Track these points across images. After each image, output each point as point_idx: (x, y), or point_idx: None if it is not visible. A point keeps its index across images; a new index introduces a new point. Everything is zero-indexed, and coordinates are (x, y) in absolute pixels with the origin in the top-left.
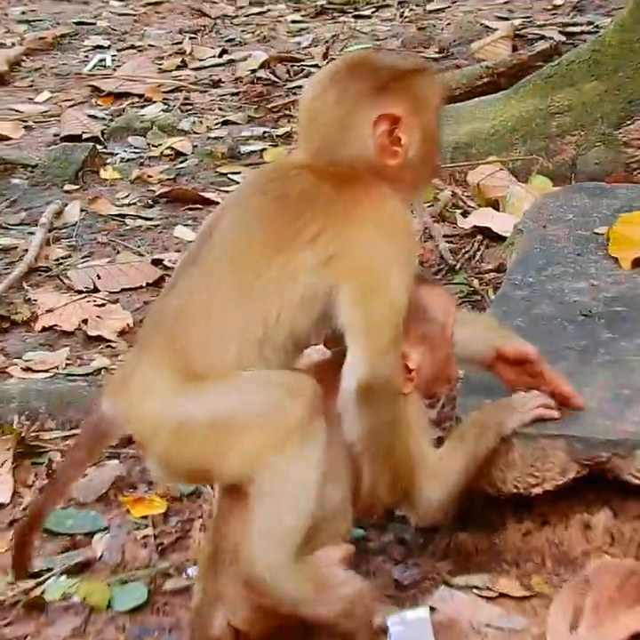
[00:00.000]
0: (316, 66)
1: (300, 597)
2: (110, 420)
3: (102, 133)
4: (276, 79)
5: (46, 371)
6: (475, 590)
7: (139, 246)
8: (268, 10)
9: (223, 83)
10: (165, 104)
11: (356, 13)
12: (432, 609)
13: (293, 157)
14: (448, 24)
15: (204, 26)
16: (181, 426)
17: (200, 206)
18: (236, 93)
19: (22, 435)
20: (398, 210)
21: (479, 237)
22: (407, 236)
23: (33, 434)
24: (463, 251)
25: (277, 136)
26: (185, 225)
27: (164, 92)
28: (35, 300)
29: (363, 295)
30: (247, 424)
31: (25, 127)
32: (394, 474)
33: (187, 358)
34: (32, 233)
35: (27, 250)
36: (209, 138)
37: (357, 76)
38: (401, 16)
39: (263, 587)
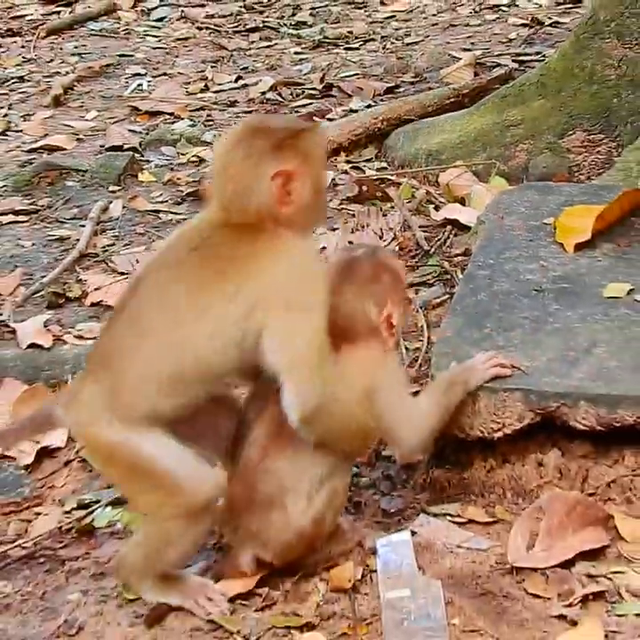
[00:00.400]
0: (314, 89)
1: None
2: (58, 421)
3: (140, 144)
4: (282, 100)
5: (94, 338)
6: (448, 517)
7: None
8: (275, 43)
9: (238, 103)
10: (191, 120)
11: (347, 46)
12: (413, 533)
13: (210, 213)
14: (422, 54)
15: (223, 57)
16: (110, 456)
17: None
18: (249, 111)
19: None
20: (301, 249)
21: (449, 227)
22: (313, 270)
23: None
24: (436, 238)
25: None
26: None
27: (190, 111)
28: (85, 281)
29: (283, 339)
30: (162, 481)
31: (77, 139)
32: (363, 440)
33: (117, 397)
34: (83, 225)
35: (78, 239)
36: None
37: (259, 136)
38: (383, 48)
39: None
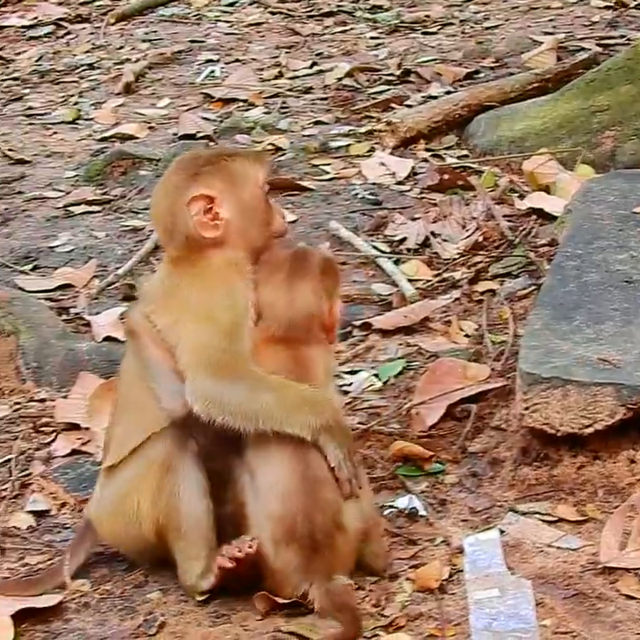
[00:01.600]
0: (391, 75)
1: None
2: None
3: (214, 132)
4: (359, 86)
5: None
6: (537, 516)
7: None
8: (351, 28)
9: (313, 90)
10: (266, 108)
11: (425, 30)
12: (501, 531)
13: (164, 258)
14: (502, 38)
15: (297, 42)
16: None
17: (297, 192)
18: (325, 98)
19: None
20: (218, 266)
21: (534, 217)
22: (222, 284)
23: None
24: (520, 228)
25: (361, 133)
26: (285, 208)
27: (264, 98)
28: None
29: (184, 345)
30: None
31: (149, 128)
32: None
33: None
34: None
35: (152, 230)
36: (303, 135)
37: (177, 170)
38: (462, 32)
39: None
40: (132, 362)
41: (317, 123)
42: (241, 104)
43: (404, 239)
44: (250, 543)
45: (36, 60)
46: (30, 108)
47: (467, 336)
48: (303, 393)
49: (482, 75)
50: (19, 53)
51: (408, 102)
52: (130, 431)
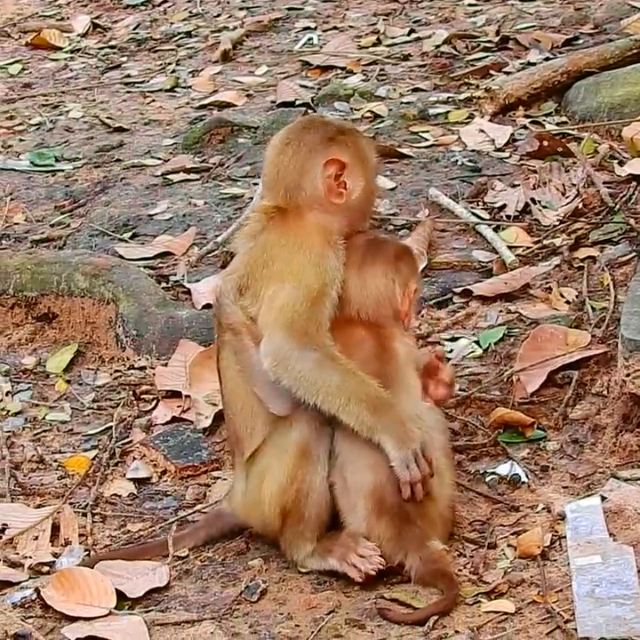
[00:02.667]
0: (489, 41)
1: None
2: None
3: (312, 100)
4: (457, 53)
5: None
6: (639, 482)
7: None
8: None
9: (412, 57)
10: (364, 75)
11: None
12: (603, 498)
13: (264, 206)
14: (601, 5)
15: (395, 9)
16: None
17: (396, 159)
18: (423, 65)
19: None
20: (310, 230)
21: (634, 183)
22: (316, 247)
23: None
24: (620, 195)
25: (460, 100)
26: (384, 175)
27: (362, 65)
28: None
29: (266, 305)
30: None
31: (247, 95)
32: None
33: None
34: (256, 183)
35: (251, 197)
36: (401, 103)
37: (310, 131)
38: None
39: None
40: (232, 360)
41: (416, 90)
42: (339, 71)
43: (504, 206)
44: (380, 561)
45: (134, 29)
46: (128, 76)
47: (567, 303)
48: (368, 387)
49: (580, 41)
50: (116, 22)
51: (506, 69)
52: (253, 423)
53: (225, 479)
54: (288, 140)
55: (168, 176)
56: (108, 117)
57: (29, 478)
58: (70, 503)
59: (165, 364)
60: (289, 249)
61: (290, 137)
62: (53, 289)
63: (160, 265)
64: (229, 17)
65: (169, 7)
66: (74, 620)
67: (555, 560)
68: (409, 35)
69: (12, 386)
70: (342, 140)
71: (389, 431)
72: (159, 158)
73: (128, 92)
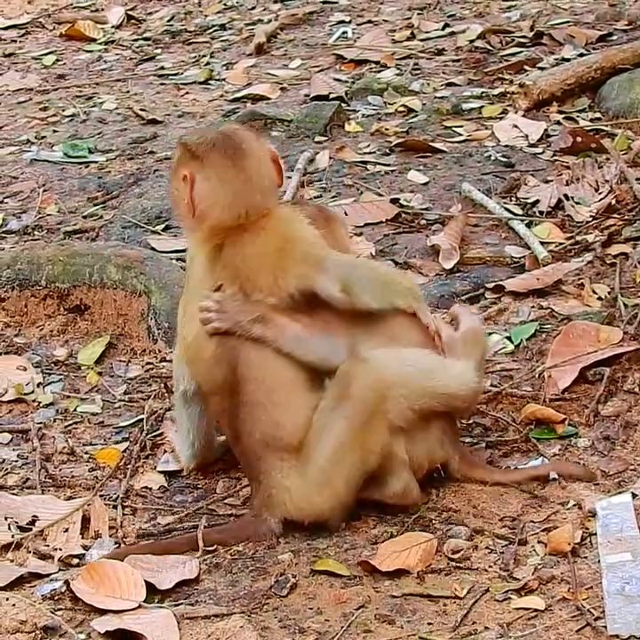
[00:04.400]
0: (524, 37)
1: None
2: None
3: (346, 94)
4: (491, 48)
5: None
6: None
7: (379, 188)
8: None
9: (446, 51)
10: (398, 69)
11: None
12: (634, 495)
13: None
14: (635, 1)
15: (429, 4)
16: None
17: (429, 154)
18: (457, 60)
19: None
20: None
21: None
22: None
23: None
24: None
25: (493, 95)
26: (417, 170)
27: (396, 59)
28: None
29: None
30: None
31: (281, 88)
32: None
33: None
34: (289, 177)
35: (285, 191)
36: (435, 97)
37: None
38: None
39: None
40: (269, 353)
41: (449, 84)
42: (373, 65)
43: (537, 202)
44: None
45: (168, 21)
46: (162, 68)
47: (599, 299)
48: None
49: (614, 37)
50: (150, 13)
51: (540, 64)
52: (296, 410)
53: None
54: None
55: None
56: (141, 109)
57: (60, 470)
58: (101, 495)
59: None
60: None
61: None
62: (85, 280)
63: None
64: (264, 10)
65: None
66: (103, 612)
67: (585, 557)
68: (443, 29)
69: (44, 377)
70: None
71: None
72: None
73: (162, 84)
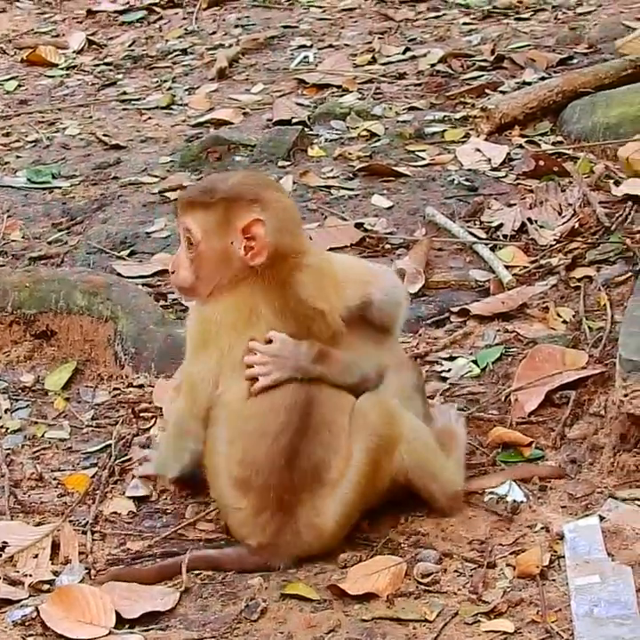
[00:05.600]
0: (485, 60)
1: None
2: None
3: (308, 118)
4: (452, 72)
5: None
6: (637, 502)
7: (343, 212)
8: (444, 14)
9: (407, 75)
10: (360, 93)
11: (517, 16)
12: (601, 518)
13: None
14: (595, 24)
15: (390, 28)
16: None
17: (393, 178)
18: (419, 84)
19: None
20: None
21: (630, 203)
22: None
23: None
24: (617, 215)
25: (456, 119)
26: (381, 194)
27: (358, 84)
28: None
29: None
30: None
31: (243, 113)
32: None
33: None
34: None
35: None
36: (398, 121)
37: None
38: (555, 18)
39: None
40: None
41: (412, 108)
42: (335, 90)
43: (501, 225)
44: None
45: (129, 46)
46: (124, 93)
47: (564, 322)
48: None
49: (575, 60)
50: (111, 38)
51: (502, 88)
52: (339, 440)
53: None
54: None
55: (165, 194)
56: (104, 135)
57: (29, 496)
58: (70, 521)
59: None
60: None
61: None
62: (52, 306)
63: (158, 283)
64: (225, 34)
65: (164, 24)
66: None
67: (553, 580)
68: (404, 53)
69: (11, 403)
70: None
71: None
72: (156, 176)
73: (124, 109)
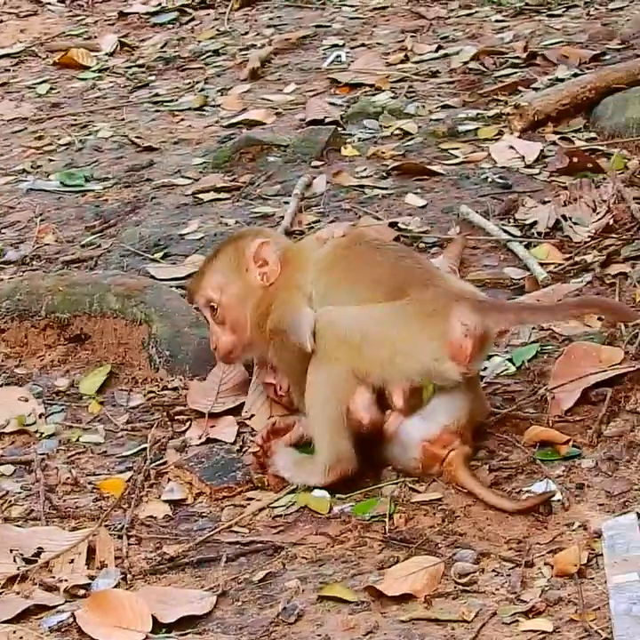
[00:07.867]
0: (517, 57)
1: None
2: None
3: (341, 117)
4: (485, 69)
5: None
6: None
7: (377, 211)
8: (476, 11)
9: (440, 73)
10: (393, 92)
11: (549, 12)
12: (639, 515)
13: None
14: (628, 20)
15: (422, 26)
16: None
17: (426, 177)
18: (452, 82)
19: None
20: None
21: None
22: None
23: None
24: None
25: (489, 117)
26: (415, 193)
27: (391, 82)
28: None
29: None
30: None
31: (276, 114)
32: None
33: None
34: (287, 202)
35: (283, 216)
36: (431, 120)
37: None
38: (587, 14)
39: None
40: None
41: (445, 107)
42: (367, 89)
43: (535, 223)
44: None
45: (161, 47)
46: (156, 94)
47: (600, 319)
48: None
49: (608, 57)
50: (143, 40)
51: (535, 85)
52: None
53: (259, 499)
54: None
55: (198, 195)
56: (137, 137)
57: (64, 501)
58: (106, 525)
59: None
60: None
61: None
62: (85, 310)
63: None
64: (257, 35)
65: (196, 25)
66: None
67: (592, 578)
68: (436, 51)
69: (46, 408)
70: None
71: None
72: (189, 177)
73: (157, 111)
